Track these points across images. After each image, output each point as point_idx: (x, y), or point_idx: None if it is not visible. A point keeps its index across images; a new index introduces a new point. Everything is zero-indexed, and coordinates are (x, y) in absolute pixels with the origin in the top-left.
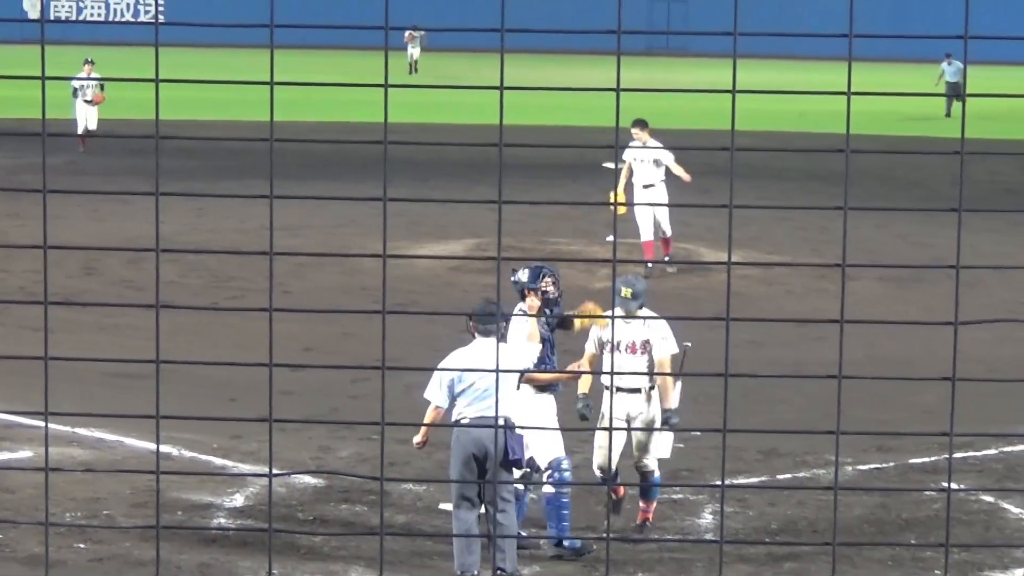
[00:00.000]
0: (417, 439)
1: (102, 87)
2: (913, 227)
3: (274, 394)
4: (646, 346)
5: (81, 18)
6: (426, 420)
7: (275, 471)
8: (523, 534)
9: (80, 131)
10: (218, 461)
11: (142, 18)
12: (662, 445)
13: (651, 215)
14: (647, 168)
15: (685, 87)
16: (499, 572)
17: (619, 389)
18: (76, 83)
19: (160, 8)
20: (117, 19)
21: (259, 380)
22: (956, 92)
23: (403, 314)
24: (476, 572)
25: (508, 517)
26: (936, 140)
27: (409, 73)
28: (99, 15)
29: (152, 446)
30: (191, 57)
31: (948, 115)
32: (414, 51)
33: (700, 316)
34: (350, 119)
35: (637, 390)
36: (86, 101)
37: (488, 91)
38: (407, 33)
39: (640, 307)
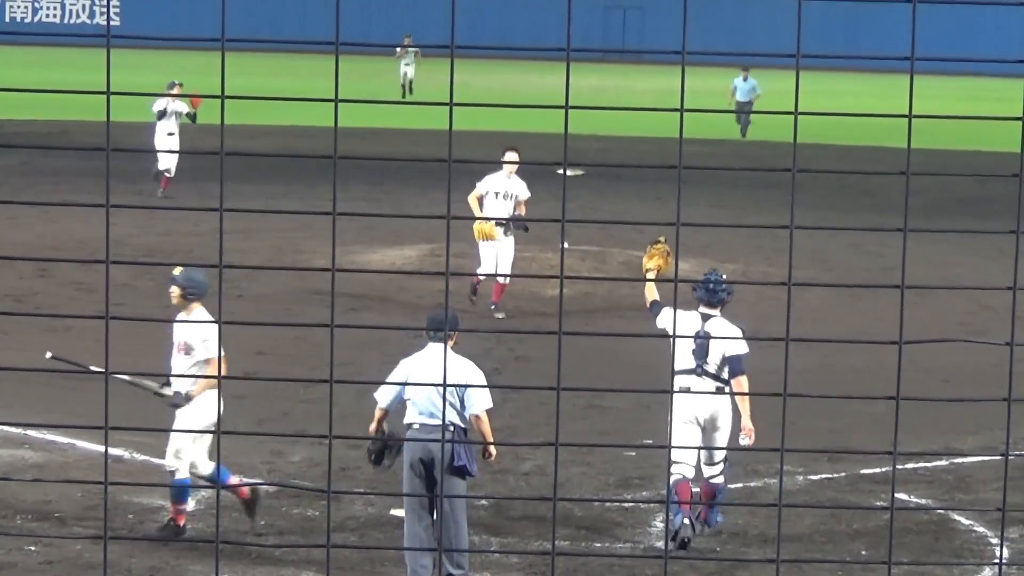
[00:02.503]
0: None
1: (192, 114)
2: (865, 236)
3: (225, 398)
4: (189, 348)
5: (36, 19)
6: (375, 418)
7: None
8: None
9: (162, 167)
10: None
11: (98, 19)
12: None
13: (494, 253)
14: (502, 204)
15: (639, 94)
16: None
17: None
18: (159, 106)
19: (115, 8)
20: (73, 20)
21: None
22: (746, 110)
23: (351, 328)
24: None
25: (459, 523)
26: (886, 150)
27: (403, 95)
28: (55, 16)
29: (103, 449)
30: (147, 58)
31: (743, 135)
32: (407, 68)
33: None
34: (305, 123)
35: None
36: (169, 133)
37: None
38: (398, 49)
39: (191, 297)
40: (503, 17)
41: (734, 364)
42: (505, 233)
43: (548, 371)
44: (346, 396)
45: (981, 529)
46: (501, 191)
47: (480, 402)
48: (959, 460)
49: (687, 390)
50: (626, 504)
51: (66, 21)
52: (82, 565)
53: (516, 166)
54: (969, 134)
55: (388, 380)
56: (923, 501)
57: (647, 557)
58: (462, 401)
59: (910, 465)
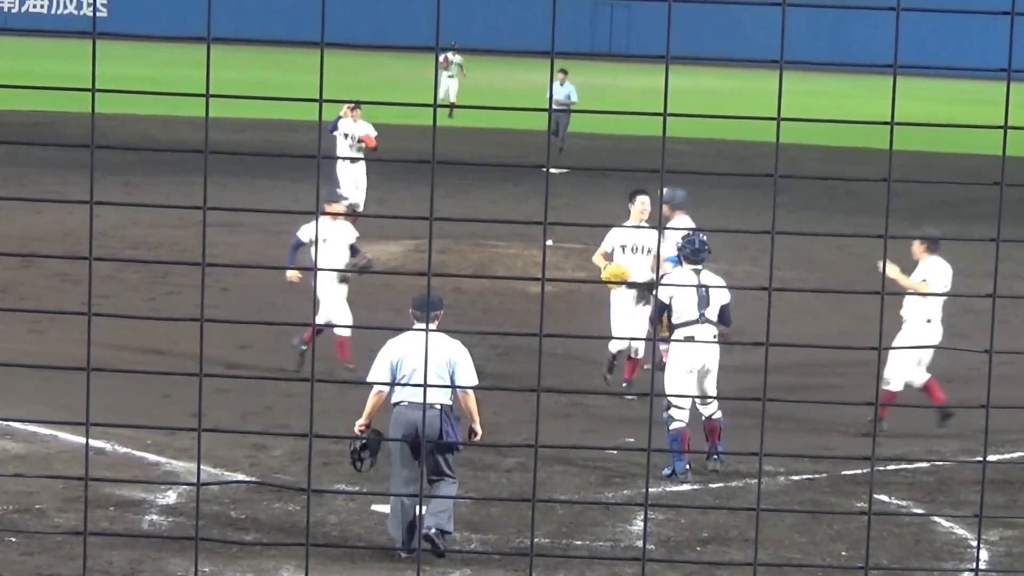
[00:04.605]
0: (360, 422)
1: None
2: (849, 237)
3: (209, 392)
4: None
5: (24, 9)
6: (368, 404)
7: (207, 471)
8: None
9: (350, 201)
10: (152, 457)
11: (85, 10)
12: None
13: (628, 320)
14: (635, 259)
15: (626, 92)
16: (428, 533)
17: None
18: (336, 130)
19: (102, 0)
20: (60, 12)
21: (194, 377)
22: (564, 111)
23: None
24: (408, 545)
25: (447, 488)
26: (872, 151)
27: (441, 100)
28: (42, 7)
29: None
30: (135, 49)
31: (560, 147)
32: (450, 82)
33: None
34: (292, 117)
35: None
36: (352, 160)
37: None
38: (442, 58)
39: None
40: (491, 13)
41: (726, 313)
42: (637, 302)
43: (532, 369)
44: (329, 391)
45: (962, 532)
46: (630, 243)
47: (468, 378)
48: (939, 463)
49: (691, 339)
50: (608, 503)
51: (54, 12)
52: (63, 556)
53: (647, 212)
54: (955, 137)
55: (378, 360)
56: (904, 503)
57: (625, 560)
58: (452, 379)
59: (891, 467)
